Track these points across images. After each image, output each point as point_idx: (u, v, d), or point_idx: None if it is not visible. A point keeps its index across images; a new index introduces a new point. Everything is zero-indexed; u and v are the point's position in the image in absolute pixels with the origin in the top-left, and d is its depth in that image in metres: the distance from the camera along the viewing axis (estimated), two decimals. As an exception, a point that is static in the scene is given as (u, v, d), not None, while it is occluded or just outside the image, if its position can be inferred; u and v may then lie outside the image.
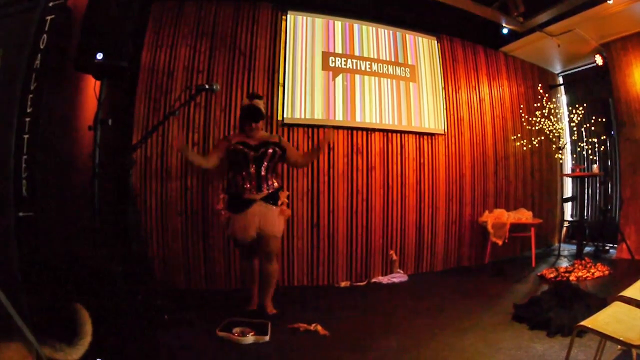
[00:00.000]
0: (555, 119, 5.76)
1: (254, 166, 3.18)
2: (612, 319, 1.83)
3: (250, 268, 3.38)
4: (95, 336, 1.75)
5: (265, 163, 3.21)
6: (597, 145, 5.69)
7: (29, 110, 2.33)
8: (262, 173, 3.19)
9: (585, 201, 6.12)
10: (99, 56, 2.58)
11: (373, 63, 4.73)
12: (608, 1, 4.43)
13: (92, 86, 2.93)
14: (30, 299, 2.18)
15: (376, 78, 4.72)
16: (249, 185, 3.16)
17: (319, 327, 2.91)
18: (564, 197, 6.40)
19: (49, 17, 2.46)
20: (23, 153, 2.29)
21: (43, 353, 1.42)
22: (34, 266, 2.26)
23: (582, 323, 1.78)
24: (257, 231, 3.13)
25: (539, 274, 4.52)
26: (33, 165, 2.30)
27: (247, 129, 3.24)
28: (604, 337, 1.75)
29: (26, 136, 2.31)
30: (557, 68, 6.53)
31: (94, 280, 2.49)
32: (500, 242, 4.95)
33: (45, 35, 2.43)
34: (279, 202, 3.25)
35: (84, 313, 1.70)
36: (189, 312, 3.27)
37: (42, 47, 2.41)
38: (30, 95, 2.35)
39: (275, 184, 3.27)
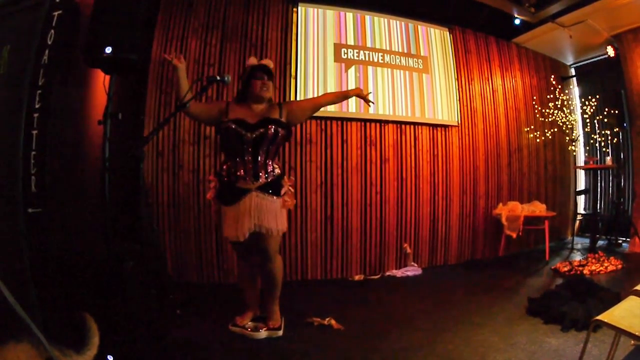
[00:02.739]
0: (568, 111, 5.71)
1: (250, 150, 2.62)
2: (627, 314, 1.80)
3: (246, 271, 2.88)
4: (107, 331, 1.73)
5: (264, 147, 2.63)
6: (610, 138, 5.63)
7: (37, 106, 2.33)
8: (260, 158, 2.62)
9: (598, 194, 6.06)
10: (108, 50, 2.55)
11: (385, 54, 4.68)
12: (619, -8, 4.39)
13: (101, 80, 2.90)
14: (41, 297, 2.16)
15: (389, 69, 4.67)
16: (242, 172, 2.60)
17: (333, 322, 2.89)
18: (577, 190, 6.35)
19: (56, 13, 2.46)
20: (32, 149, 2.29)
21: (53, 353, 1.39)
22: (44, 263, 2.24)
23: (598, 317, 1.75)
24: (253, 228, 2.56)
25: (552, 267, 4.48)
26: (42, 161, 2.30)
27: (253, 90, 2.69)
28: (620, 332, 1.72)
29: (35, 132, 2.30)
30: (570, 59, 6.47)
31: (105, 276, 2.47)
32: (514, 235, 4.92)
33: (52, 31, 2.43)
34: (282, 192, 2.68)
35: (92, 324, 1.67)
36: (201, 306, 3.27)
37: (49, 42, 2.40)
38: (39, 91, 2.35)
39: (277, 170, 2.71)
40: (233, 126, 2.60)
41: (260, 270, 2.78)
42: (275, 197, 2.63)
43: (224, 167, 2.69)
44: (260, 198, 2.59)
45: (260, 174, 2.62)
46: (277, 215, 2.62)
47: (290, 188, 2.74)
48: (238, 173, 2.60)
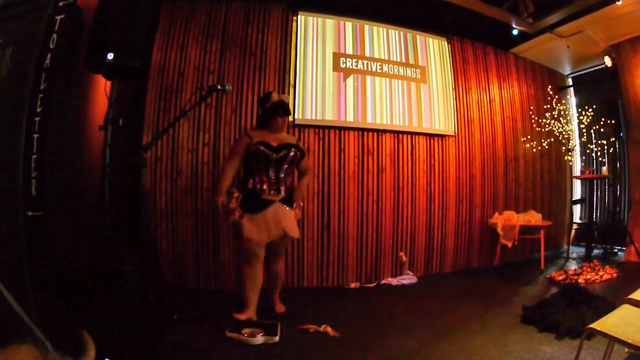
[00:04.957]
0: (564, 121, 5.74)
1: (273, 169, 3.09)
2: (621, 322, 1.82)
3: (254, 273, 3.13)
4: (105, 336, 1.74)
5: (285, 166, 3.14)
6: (606, 147, 5.66)
7: (38, 110, 2.33)
8: (281, 175, 3.12)
9: (594, 203, 6.09)
10: (110, 56, 2.58)
11: (384, 64, 4.72)
12: (617, 2, 4.42)
13: (102, 86, 2.93)
14: (40, 300, 2.18)
15: (387, 79, 4.71)
16: (266, 187, 3.07)
17: (329, 329, 2.90)
18: (573, 199, 6.38)
19: (58, 17, 2.45)
20: (32, 152, 2.29)
21: (55, 354, 1.41)
22: (43, 266, 2.25)
23: (592, 325, 1.77)
24: (281, 231, 3.06)
25: (548, 276, 4.49)
26: (42, 164, 2.30)
27: (274, 125, 3.14)
28: (613, 340, 1.75)
29: (36, 135, 2.30)
30: (567, 69, 6.51)
31: (104, 280, 2.49)
32: (510, 244, 4.94)
33: (55, 35, 2.43)
34: (294, 205, 3.20)
35: (89, 340, 1.69)
36: (198, 312, 3.27)
37: (52, 46, 2.41)
38: (40, 95, 2.34)
39: (293, 186, 3.26)
40: (262, 148, 3.03)
41: (268, 269, 3.26)
42: (290, 209, 3.15)
43: (250, 181, 3.09)
44: (282, 208, 3.09)
45: (281, 188, 3.11)
46: (294, 222, 3.18)
47: (300, 202, 3.27)
48: (263, 187, 3.06)
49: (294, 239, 3.23)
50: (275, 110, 3.13)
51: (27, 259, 2.21)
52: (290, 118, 4.27)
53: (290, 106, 4.26)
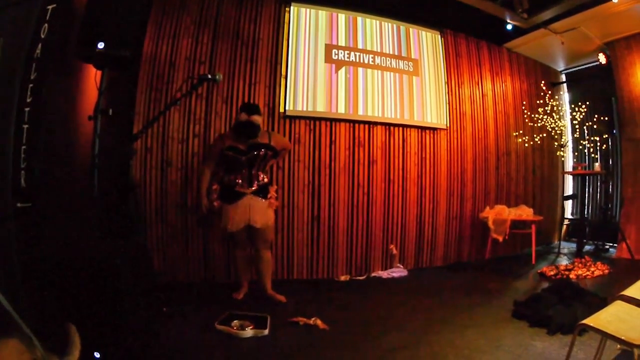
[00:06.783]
0: (557, 117, 5.75)
1: (245, 168, 3.39)
2: (614, 318, 1.82)
3: (244, 257, 3.58)
4: (94, 328, 1.73)
5: (256, 164, 3.41)
6: (599, 144, 5.68)
7: (28, 100, 2.31)
8: (253, 172, 3.42)
9: (586, 199, 6.10)
10: (100, 45, 2.55)
11: (376, 56, 4.71)
12: (613, 0, 4.41)
13: (93, 76, 2.90)
14: (29, 293, 2.16)
15: (379, 71, 4.69)
16: (240, 182, 3.39)
17: (319, 321, 2.91)
18: (564, 195, 6.39)
19: (50, 6, 2.43)
20: (22, 143, 2.27)
21: (41, 350, 1.40)
22: (32, 258, 2.23)
23: (585, 321, 1.77)
24: (248, 221, 3.34)
25: (539, 271, 4.51)
26: (32, 155, 2.28)
27: (242, 139, 3.39)
28: (606, 336, 1.74)
29: (26, 126, 2.28)
30: (560, 65, 6.52)
31: (93, 272, 2.48)
32: (500, 239, 4.94)
33: (46, 25, 2.40)
34: (268, 196, 3.47)
35: (75, 336, 1.69)
36: (188, 304, 3.27)
37: (43, 36, 2.38)
38: (31, 85, 2.32)
39: (265, 179, 3.49)
40: (230, 153, 3.35)
41: (255, 255, 3.51)
42: (263, 200, 3.41)
43: (226, 178, 3.42)
44: (253, 200, 3.38)
45: (254, 182, 3.41)
46: (265, 212, 3.41)
47: (274, 194, 3.54)
48: (237, 181, 3.38)
49: (266, 226, 3.40)
50: (240, 130, 3.38)
51: (16, 251, 2.19)
52: (282, 109, 4.29)
53: (282, 98, 4.28)
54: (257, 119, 3.38)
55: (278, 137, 3.78)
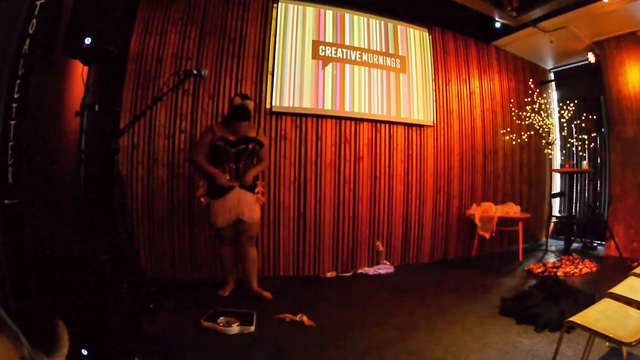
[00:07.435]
0: (545, 115, 5.78)
1: (233, 160, 3.41)
2: (602, 316, 1.83)
3: (229, 254, 3.58)
4: (81, 325, 1.73)
5: (243, 157, 3.44)
6: (587, 142, 5.70)
7: (16, 96, 2.30)
8: (241, 165, 3.44)
9: (574, 197, 6.14)
10: (87, 41, 2.55)
11: (363, 53, 4.71)
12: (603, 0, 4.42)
13: (79, 71, 2.90)
14: (15, 290, 2.16)
15: (366, 68, 4.69)
16: (228, 175, 3.39)
17: (305, 318, 2.91)
18: (552, 193, 6.42)
19: (39, 2, 2.41)
20: (9, 139, 2.25)
21: (28, 347, 1.40)
22: (18, 254, 2.23)
23: (572, 319, 1.78)
24: (236, 215, 3.35)
25: (526, 268, 4.53)
26: (19, 151, 2.28)
27: (233, 125, 3.40)
28: (594, 334, 1.75)
29: (13, 122, 2.26)
30: (549, 64, 6.54)
31: (80, 268, 2.48)
32: (487, 236, 4.97)
33: (34, 20, 2.39)
34: (256, 190, 3.49)
35: (64, 333, 1.68)
36: (174, 301, 3.26)
37: (31, 31, 2.37)
38: (18, 81, 2.30)
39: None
40: (220, 143, 3.35)
41: (241, 252, 3.50)
42: (251, 194, 3.42)
43: None
44: (241, 193, 3.38)
45: (241, 176, 3.40)
46: (252, 207, 3.42)
47: (261, 189, 3.55)
48: (225, 175, 3.36)
49: (252, 221, 3.41)
50: (234, 114, 3.39)
51: (1, 247, 2.19)
52: (268, 105, 4.28)
53: (268, 94, 4.28)
54: (249, 103, 3.45)
55: (263, 136, 3.78)
